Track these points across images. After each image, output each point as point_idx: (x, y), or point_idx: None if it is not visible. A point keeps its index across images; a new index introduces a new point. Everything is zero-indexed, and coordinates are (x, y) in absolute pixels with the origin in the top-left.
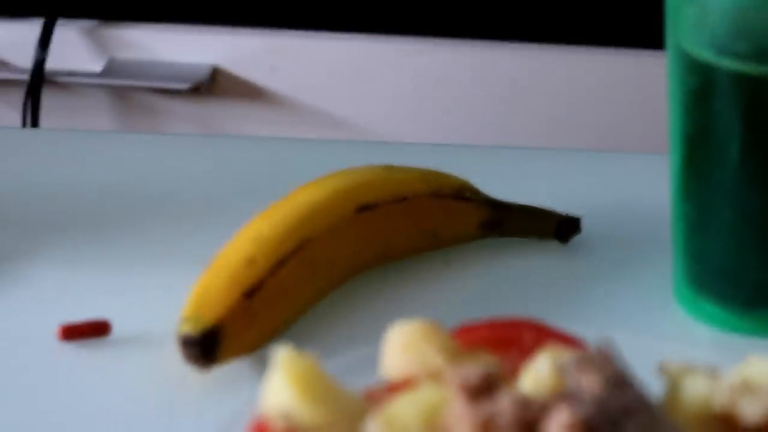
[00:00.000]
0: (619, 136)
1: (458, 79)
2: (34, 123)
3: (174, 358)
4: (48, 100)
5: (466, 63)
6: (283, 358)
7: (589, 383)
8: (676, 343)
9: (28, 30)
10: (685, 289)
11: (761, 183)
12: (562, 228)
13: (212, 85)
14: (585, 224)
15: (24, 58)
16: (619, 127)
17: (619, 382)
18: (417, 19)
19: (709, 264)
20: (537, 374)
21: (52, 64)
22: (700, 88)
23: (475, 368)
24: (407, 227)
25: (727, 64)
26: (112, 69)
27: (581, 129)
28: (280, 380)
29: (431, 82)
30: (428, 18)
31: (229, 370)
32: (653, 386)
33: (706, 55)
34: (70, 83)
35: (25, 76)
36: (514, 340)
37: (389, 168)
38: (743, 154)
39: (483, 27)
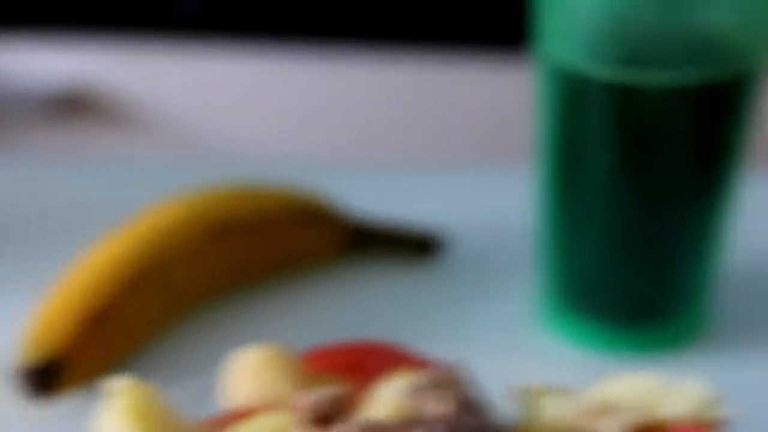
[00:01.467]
0: (481, 149)
1: (319, 93)
2: None
3: (9, 390)
4: None
5: (326, 77)
6: (119, 389)
7: (439, 407)
8: (539, 363)
9: None
10: (552, 306)
11: (635, 195)
12: (424, 246)
13: (67, 104)
14: (447, 242)
15: None
16: (480, 139)
17: (469, 406)
18: (275, 35)
19: (578, 280)
20: (385, 399)
21: None
22: (570, 98)
23: (321, 394)
24: (264, 249)
25: (599, 71)
26: None
27: (442, 143)
28: (116, 412)
29: (295, 98)
30: (286, 34)
31: (68, 400)
32: (510, 408)
33: (576, 62)
34: None
35: None
36: (364, 364)
37: (245, 188)
38: (616, 165)
39: (343, 41)
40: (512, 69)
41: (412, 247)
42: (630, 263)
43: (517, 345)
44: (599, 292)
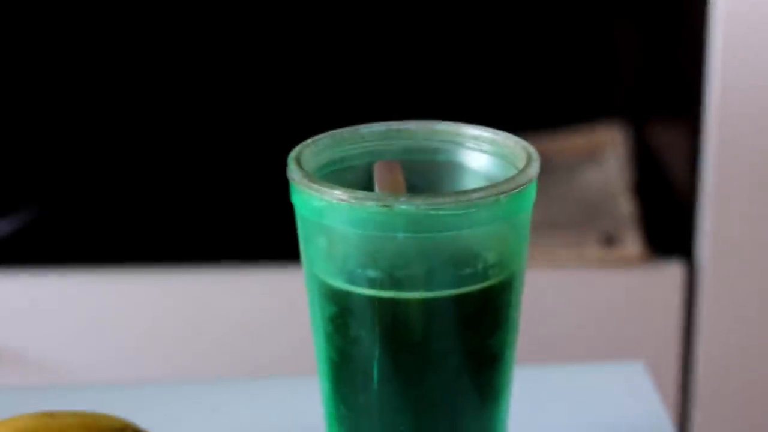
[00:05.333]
0: (278, 358)
1: (109, 309)
2: None
3: None
4: None
5: (119, 293)
6: None
7: None
8: None
9: None
10: None
11: (403, 402)
12: None
13: None
14: None
15: None
16: (276, 349)
17: None
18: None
19: None
20: None
21: None
22: (338, 313)
23: None
24: None
25: (360, 288)
26: None
27: (238, 353)
28: None
29: (88, 315)
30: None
31: None
32: None
33: (339, 281)
34: None
35: None
36: None
37: (50, 415)
38: (383, 375)
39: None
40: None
41: None
42: None
43: None
44: None
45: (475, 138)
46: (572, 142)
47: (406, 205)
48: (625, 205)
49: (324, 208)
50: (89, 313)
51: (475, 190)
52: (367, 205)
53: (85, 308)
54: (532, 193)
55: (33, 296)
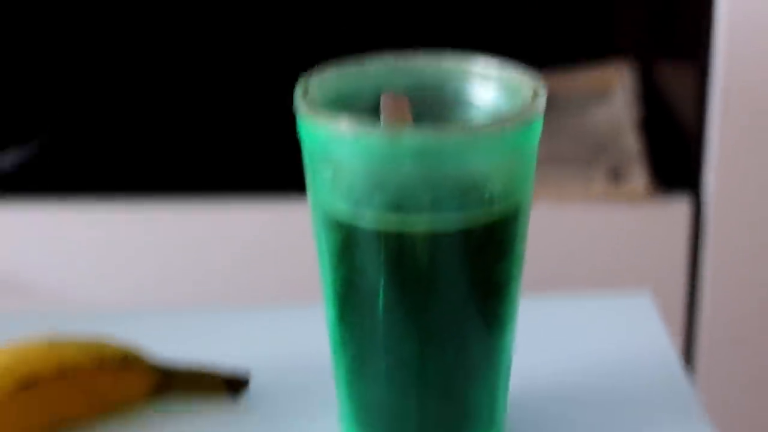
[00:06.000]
0: (280, 288)
1: (117, 240)
2: None
3: None
4: None
5: (124, 226)
6: None
7: None
8: None
9: None
10: None
11: (409, 331)
12: (230, 385)
13: None
14: (253, 379)
15: None
16: (280, 279)
17: None
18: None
19: (371, 409)
20: None
21: None
22: (343, 245)
23: None
24: (74, 399)
25: (365, 219)
26: None
27: (243, 284)
28: None
29: (83, 246)
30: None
31: None
32: None
33: (345, 212)
34: None
35: None
36: None
37: (51, 342)
38: (392, 306)
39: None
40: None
41: (219, 386)
42: (414, 396)
43: None
44: (391, 420)
45: (483, 72)
46: (580, 79)
47: (412, 136)
48: (632, 141)
49: (330, 139)
50: (97, 243)
51: (480, 122)
52: (373, 135)
53: (93, 238)
54: (538, 126)
55: (42, 227)
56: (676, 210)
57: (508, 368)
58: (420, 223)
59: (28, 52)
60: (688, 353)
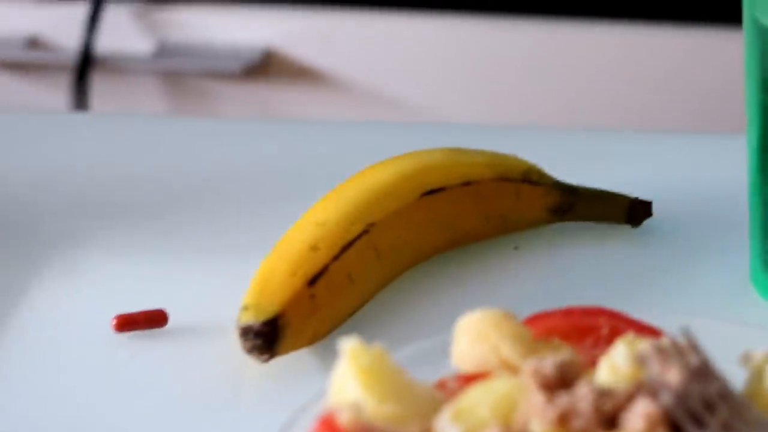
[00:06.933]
0: (691, 116)
1: (523, 58)
2: (83, 106)
3: (233, 349)
4: (98, 84)
5: (530, 43)
6: (350, 350)
7: (670, 374)
8: (756, 331)
9: (76, 12)
10: (763, 273)
11: None
12: (633, 212)
13: (264, 66)
14: (656, 207)
15: (72, 41)
16: (690, 106)
17: (701, 372)
18: None
19: None
20: (614, 364)
21: (101, 47)
22: None
23: (551, 359)
24: (474, 212)
25: None
26: (162, 51)
27: (652, 110)
28: (348, 373)
29: (494, 61)
30: None
31: (291, 362)
32: (735, 375)
33: None
34: (119, 66)
35: (72, 60)
36: (589, 328)
37: (455, 151)
38: None
39: (547, 5)
40: (719, 37)
41: (623, 212)
42: None
43: (730, 312)
44: None
45: None
46: None
47: None
48: None
49: None
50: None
51: None
52: None
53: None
54: None
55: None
56: None
57: None
58: None
59: None
60: None
